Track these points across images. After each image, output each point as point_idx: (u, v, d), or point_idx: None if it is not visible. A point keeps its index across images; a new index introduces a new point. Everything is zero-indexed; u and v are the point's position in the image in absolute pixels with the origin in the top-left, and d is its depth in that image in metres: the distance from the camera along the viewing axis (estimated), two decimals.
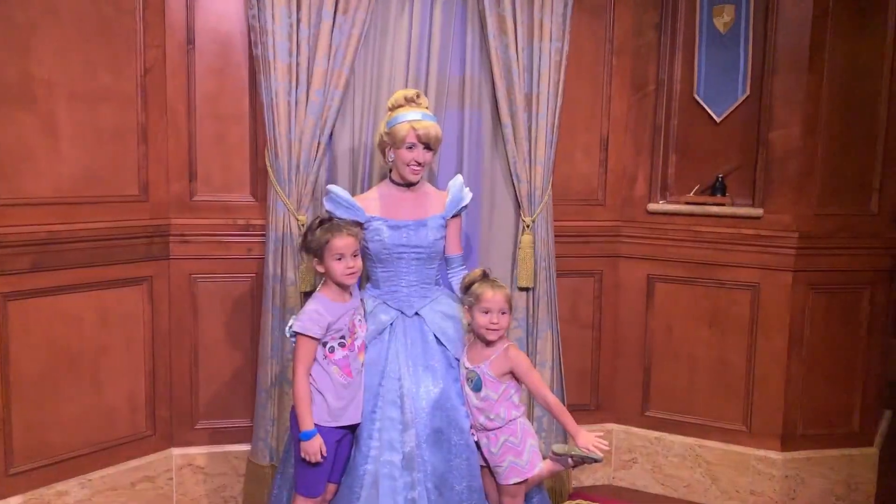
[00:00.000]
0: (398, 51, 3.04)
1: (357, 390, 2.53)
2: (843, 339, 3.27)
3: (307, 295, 3.06)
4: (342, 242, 2.46)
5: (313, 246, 2.48)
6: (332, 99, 2.94)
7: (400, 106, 2.70)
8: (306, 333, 2.42)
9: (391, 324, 2.65)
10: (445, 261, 2.84)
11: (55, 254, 2.73)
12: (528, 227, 3.16)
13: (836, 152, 3.17)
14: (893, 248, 3.32)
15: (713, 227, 3.27)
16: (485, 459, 2.60)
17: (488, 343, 2.55)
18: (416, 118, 2.64)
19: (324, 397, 2.46)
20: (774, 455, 3.24)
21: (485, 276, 2.60)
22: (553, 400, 2.57)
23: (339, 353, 2.47)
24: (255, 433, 3.07)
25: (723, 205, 3.25)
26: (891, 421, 3.93)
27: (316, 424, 2.44)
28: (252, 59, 2.98)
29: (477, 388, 2.54)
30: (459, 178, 2.84)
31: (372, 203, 2.73)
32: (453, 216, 2.77)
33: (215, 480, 3.19)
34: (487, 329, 2.52)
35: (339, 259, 2.45)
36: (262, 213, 3.09)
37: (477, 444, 2.59)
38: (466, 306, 2.58)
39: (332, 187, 2.73)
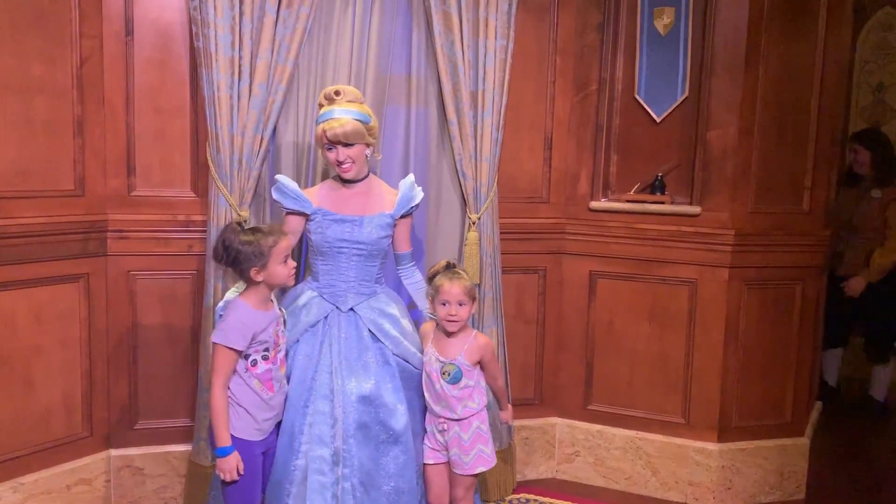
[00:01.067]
0: (342, 47, 3.02)
1: (280, 405, 2.48)
2: (777, 333, 3.39)
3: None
4: (287, 242, 2.38)
5: (257, 252, 2.30)
6: (276, 93, 2.91)
7: (321, 105, 2.68)
8: (229, 345, 2.29)
9: (325, 317, 2.63)
10: (395, 258, 2.84)
11: None
12: (474, 223, 3.18)
13: (771, 152, 3.27)
14: (824, 245, 3.45)
15: (653, 225, 3.34)
16: (446, 455, 2.61)
17: (449, 334, 2.56)
18: (328, 118, 2.60)
19: (247, 412, 2.36)
20: (711, 446, 3.33)
21: (448, 267, 2.58)
22: (503, 381, 2.79)
23: (262, 367, 2.37)
24: (197, 433, 3.02)
25: (662, 203, 3.33)
26: (821, 412, 4.08)
27: (241, 439, 2.35)
28: (193, 51, 2.93)
29: (456, 379, 2.54)
30: (411, 178, 2.82)
31: (319, 197, 2.71)
32: (403, 215, 2.76)
33: (155, 482, 3.12)
34: (446, 321, 2.53)
35: (285, 261, 2.37)
36: (203, 209, 3.03)
37: (435, 441, 2.60)
38: (430, 298, 2.59)
39: (280, 177, 2.71)
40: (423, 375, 2.62)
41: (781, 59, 3.24)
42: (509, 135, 3.28)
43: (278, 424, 2.51)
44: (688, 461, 3.36)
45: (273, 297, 2.47)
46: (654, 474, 3.42)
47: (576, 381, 3.57)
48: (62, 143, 2.84)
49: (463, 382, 2.54)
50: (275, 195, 2.68)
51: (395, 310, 2.71)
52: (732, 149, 3.22)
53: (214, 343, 2.30)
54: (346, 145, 2.60)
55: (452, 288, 2.51)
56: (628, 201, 3.39)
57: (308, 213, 2.66)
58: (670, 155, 3.38)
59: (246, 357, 2.34)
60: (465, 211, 3.21)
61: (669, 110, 3.34)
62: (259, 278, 2.33)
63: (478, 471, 2.59)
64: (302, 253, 2.98)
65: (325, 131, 2.59)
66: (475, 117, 3.15)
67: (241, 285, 2.45)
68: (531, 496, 3.36)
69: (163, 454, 3.12)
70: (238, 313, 2.32)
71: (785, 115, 3.28)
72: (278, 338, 2.44)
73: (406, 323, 2.73)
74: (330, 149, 2.62)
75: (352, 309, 2.65)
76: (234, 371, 2.33)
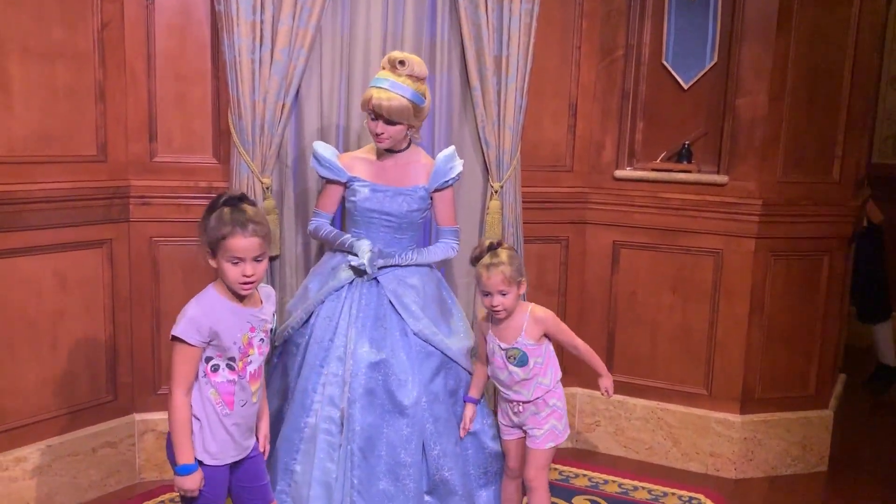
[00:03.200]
0: (373, 10, 2.97)
1: (242, 428, 2.06)
2: (802, 305, 3.34)
3: (272, 259, 3.03)
4: (243, 243, 1.91)
5: (207, 235, 1.94)
6: (298, 59, 2.87)
7: (382, 67, 2.62)
8: (183, 339, 1.93)
9: (350, 283, 2.62)
10: (437, 233, 2.81)
11: (11, 215, 2.64)
12: (496, 192, 3.15)
13: (801, 120, 3.20)
14: (853, 215, 3.38)
15: (679, 194, 3.29)
16: (520, 430, 2.54)
17: (507, 319, 2.45)
18: (380, 85, 2.54)
19: (202, 426, 2.00)
20: (733, 418, 3.31)
21: (489, 249, 2.41)
22: (582, 344, 2.57)
23: (224, 376, 1.99)
24: None
25: (689, 171, 3.27)
26: (845, 384, 4.04)
27: (197, 460, 2.00)
28: (214, 15, 2.89)
29: (523, 362, 2.44)
30: (451, 149, 2.74)
31: (358, 163, 2.68)
32: (439, 188, 2.70)
33: None
34: (491, 311, 2.44)
35: (236, 263, 1.93)
36: (224, 176, 3.02)
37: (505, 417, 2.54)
38: (475, 283, 2.52)
39: (316, 145, 2.69)
40: (490, 363, 2.54)
41: (814, 23, 3.15)
42: (533, 102, 3.23)
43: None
44: (709, 432, 3.34)
45: (265, 296, 2.13)
46: (675, 445, 3.41)
47: (597, 352, 3.51)
48: (84, 108, 2.83)
49: (531, 363, 2.44)
50: (311, 163, 2.69)
51: (417, 280, 2.66)
52: (762, 116, 3.15)
53: (172, 337, 1.94)
54: (389, 122, 2.54)
55: (490, 279, 2.37)
56: (654, 170, 3.34)
57: (343, 181, 2.64)
58: (697, 123, 3.32)
59: (207, 360, 1.97)
60: (488, 179, 3.18)
61: (698, 77, 3.27)
62: (213, 265, 1.97)
63: (548, 446, 2.49)
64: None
65: (371, 99, 2.53)
66: (498, 83, 3.10)
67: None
68: (551, 464, 3.36)
69: None
70: (199, 300, 1.98)
71: (816, 81, 3.20)
72: (251, 346, 2.03)
73: (437, 295, 2.71)
74: (373, 118, 2.57)
75: (375, 278, 2.64)
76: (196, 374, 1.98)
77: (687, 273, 3.34)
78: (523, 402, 2.47)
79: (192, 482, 1.98)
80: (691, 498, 3.11)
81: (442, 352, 2.61)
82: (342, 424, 2.46)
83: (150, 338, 3.10)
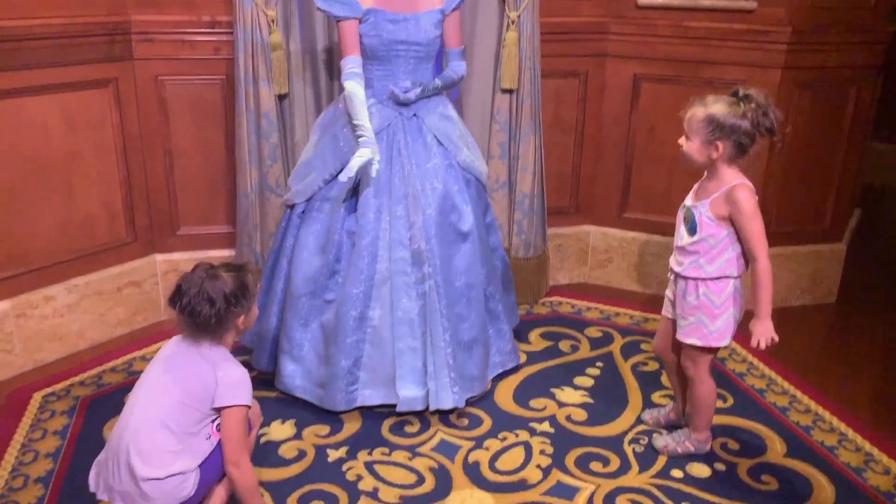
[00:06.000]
0: None
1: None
2: (824, 138, 3.27)
3: (281, 98, 2.96)
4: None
5: (247, 293, 1.88)
6: None
7: None
8: (249, 405, 1.90)
9: (388, 125, 2.53)
10: (446, 56, 2.69)
11: (11, 52, 2.56)
12: (512, 22, 3.00)
13: None
14: (886, 43, 3.23)
15: (704, 22, 3.13)
16: (669, 308, 2.34)
17: (708, 177, 2.19)
18: None
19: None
20: None
21: (734, 95, 2.11)
22: (762, 265, 2.09)
23: (214, 439, 1.90)
24: (239, 239, 3.08)
25: None
26: (860, 219, 4.04)
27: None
28: None
29: (692, 229, 2.16)
30: None
31: None
32: (451, 10, 2.56)
33: None
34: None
35: None
36: (227, 9, 2.88)
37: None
38: None
39: None
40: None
41: None
42: None
43: None
44: None
45: None
46: None
47: (612, 190, 3.53)
48: None
49: (698, 236, 2.15)
50: (320, 4, 2.46)
51: (453, 111, 2.65)
52: None
53: (235, 406, 1.85)
54: None
55: (685, 114, 2.12)
56: None
57: (359, 16, 2.47)
58: None
59: (213, 420, 1.89)
60: (503, 8, 3.02)
61: None
62: (241, 326, 1.93)
63: (690, 341, 2.22)
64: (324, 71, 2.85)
65: None
66: None
67: None
68: (563, 299, 3.44)
69: (207, 259, 3.19)
70: (237, 362, 1.92)
71: None
72: None
73: (461, 121, 2.69)
74: None
75: (415, 115, 2.56)
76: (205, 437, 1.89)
77: None
78: (676, 274, 2.25)
79: None
80: None
81: (476, 178, 2.67)
82: (417, 263, 2.48)
83: (165, 178, 3.09)
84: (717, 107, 2.08)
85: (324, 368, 2.52)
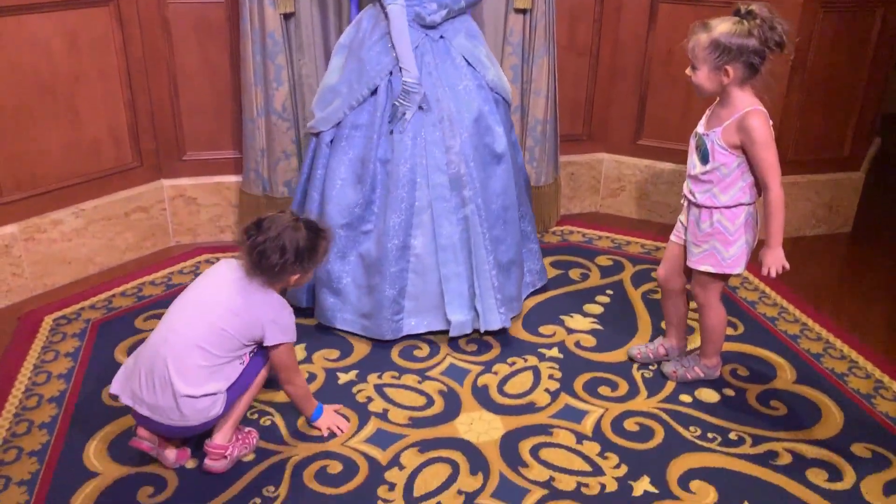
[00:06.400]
0: None
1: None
2: (847, 64, 3.16)
3: (287, 17, 2.87)
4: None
5: (316, 255, 1.96)
6: None
7: None
8: (294, 341, 2.02)
9: (416, 47, 2.43)
10: None
11: None
12: None
13: None
14: None
15: None
16: (684, 237, 2.26)
17: (720, 104, 2.09)
18: None
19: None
20: None
21: (736, 13, 1.99)
22: (775, 194, 2.03)
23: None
24: (246, 164, 3.04)
25: None
26: (879, 148, 3.95)
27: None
28: None
29: (704, 157, 2.09)
30: None
31: None
32: None
33: (209, 211, 3.21)
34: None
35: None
36: None
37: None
38: None
39: None
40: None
41: None
42: None
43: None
44: None
45: None
46: None
47: (627, 116, 3.45)
48: None
49: (711, 164, 2.08)
50: None
51: (477, 29, 2.59)
52: None
53: (283, 343, 1.96)
54: None
55: (687, 44, 2.02)
56: None
57: None
58: None
59: (249, 349, 1.98)
60: None
61: None
62: (292, 283, 1.98)
63: (703, 268, 2.17)
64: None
65: None
66: None
67: None
68: (574, 228, 3.41)
69: (214, 184, 3.18)
70: (284, 302, 1.99)
71: None
72: None
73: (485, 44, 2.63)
74: None
75: (441, 36, 2.48)
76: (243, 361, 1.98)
77: None
78: (689, 201, 2.20)
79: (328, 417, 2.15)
80: None
81: (503, 97, 2.63)
82: (455, 188, 2.45)
83: (170, 101, 3.03)
84: (721, 29, 1.96)
85: (367, 299, 2.51)
